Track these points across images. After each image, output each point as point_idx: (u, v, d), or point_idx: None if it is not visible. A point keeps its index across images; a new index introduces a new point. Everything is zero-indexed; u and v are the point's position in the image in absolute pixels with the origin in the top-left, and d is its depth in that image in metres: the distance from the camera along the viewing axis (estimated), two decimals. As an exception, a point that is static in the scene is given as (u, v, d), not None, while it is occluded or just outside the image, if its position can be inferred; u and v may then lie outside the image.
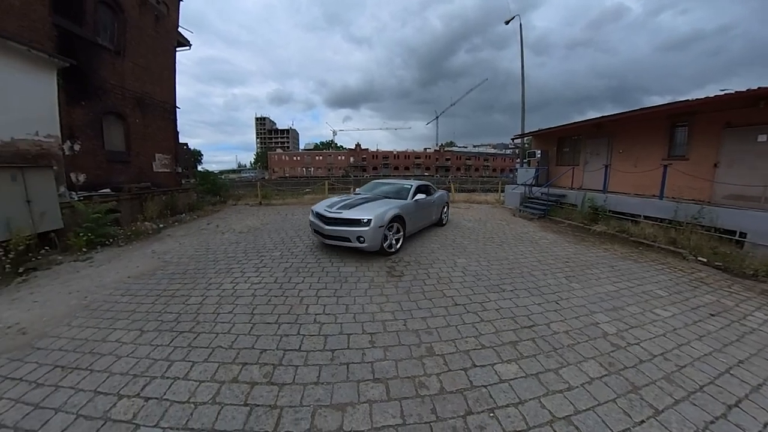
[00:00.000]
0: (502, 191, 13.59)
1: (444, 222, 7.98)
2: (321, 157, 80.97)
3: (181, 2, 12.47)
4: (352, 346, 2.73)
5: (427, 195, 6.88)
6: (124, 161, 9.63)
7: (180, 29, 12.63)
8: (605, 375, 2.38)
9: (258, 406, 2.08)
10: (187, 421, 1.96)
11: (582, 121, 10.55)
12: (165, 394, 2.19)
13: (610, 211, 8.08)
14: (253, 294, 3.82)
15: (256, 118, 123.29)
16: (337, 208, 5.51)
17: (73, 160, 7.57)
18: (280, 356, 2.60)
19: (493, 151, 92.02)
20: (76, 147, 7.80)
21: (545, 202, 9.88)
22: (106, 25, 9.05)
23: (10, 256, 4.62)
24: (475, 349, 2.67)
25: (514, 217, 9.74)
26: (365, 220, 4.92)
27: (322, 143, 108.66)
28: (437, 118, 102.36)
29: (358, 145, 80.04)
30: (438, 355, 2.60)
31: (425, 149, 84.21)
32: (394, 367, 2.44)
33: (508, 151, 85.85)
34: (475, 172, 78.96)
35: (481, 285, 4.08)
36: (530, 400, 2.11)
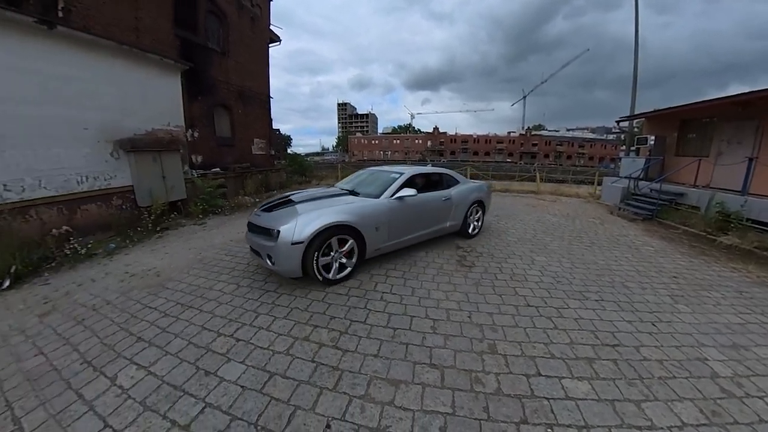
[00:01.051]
0: (599, 184, 11.71)
1: (473, 231, 5.53)
2: (398, 141, 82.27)
3: (271, 2, 13.83)
4: (413, 329, 2.79)
5: (433, 188, 4.85)
6: (229, 145, 11.51)
7: (271, 27, 14.11)
8: (703, 425, 1.89)
9: (323, 364, 2.33)
10: (266, 364, 2.34)
11: (719, 99, 8.10)
12: (251, 338, 2.64)
13: (748, 219, 6.23)
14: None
15: (338, 104, 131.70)
16: (263, 209, 3.99)
17: (192, 145, 9.32)
18: (346, 325, 2.84)
19: (591, 136, 79.13)
20: (195, 134, 9.59)
21: (655, 201, 8.11)
22: (214, 31, 10.79)
23: (151, 217, 6.07)
24: (542, 357, 2.44)
25: (611, 215, 8.34)
26: (275, 232, 3.28)
27: (399, 127, 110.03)
28: (524, 97, 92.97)
29: (435, 128, 78.54)
30: (500, 354, 2.47)
31: (509, 133, 77.43)
32: (452, 356, 2.42)
33: (611, 137, 72.78)
34: (567, 160, 69.23)
35: (560, 289, 3.67)
36: (598, 427, 1.84)
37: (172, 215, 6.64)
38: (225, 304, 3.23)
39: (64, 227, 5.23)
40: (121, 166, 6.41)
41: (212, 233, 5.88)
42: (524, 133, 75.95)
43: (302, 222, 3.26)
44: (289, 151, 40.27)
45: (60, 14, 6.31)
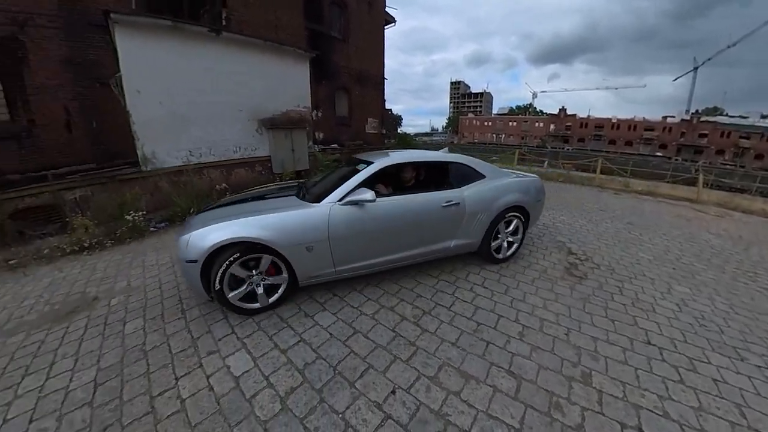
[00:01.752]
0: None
1: (504, 254, 3.84)
2: (515, 123, 73.50)
3: (387, -15, 14.07)
4: (498, 328, 2.72)
5: (430, 187, 3.35)
6: (346, 124, 12.86)
7: (387, 9, 14.43)
8: None
9: (401, 336, 2.56)
10: (352, 322, 2.74)
11: None
12: (345, 296, 3.10)
13: None
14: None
15: (451, 83, 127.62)
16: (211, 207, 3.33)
17: (316, 124, 10.77)
18: (431, 306, 3.00)
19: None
20: (319, 114, 11.06)
21: None
22: (336, 20, 11.90)
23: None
24: (651, 412, 1.99)
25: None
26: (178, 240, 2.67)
27: (517, 107, 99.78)
28: (696, 69, 69.40)
29: (562, 110, 67.51)
30: (594, 388, 2.15)
31: (664, 118, 59.80)
32: (535, 370, 2.26)
33: None
34: (756, 160, 48.22)
35: (702, 335, 2.82)
36: None
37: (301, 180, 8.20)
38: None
39: (224, 184, 7.07)
40: (263, 140, 8.10)
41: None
42: (688, 118, 57.05)
43: (197, 235, 2.51)
44: (399, 130, 42.47)
45: (223, 22, 8.35)
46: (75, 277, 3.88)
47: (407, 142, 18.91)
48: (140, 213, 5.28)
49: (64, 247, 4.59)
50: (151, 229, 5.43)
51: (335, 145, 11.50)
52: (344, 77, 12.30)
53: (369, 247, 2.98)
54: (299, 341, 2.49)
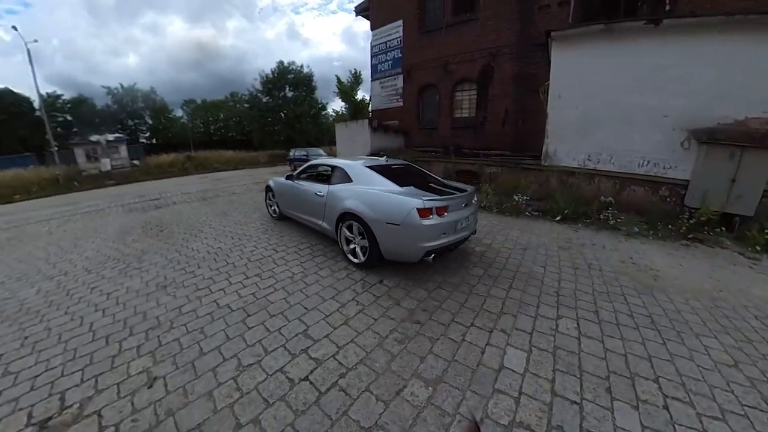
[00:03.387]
0: None
1: (360, 259, 3.77)
2: None
3: None
4: None
5: (322, 182, 4.72)
6: None
7: None
8: None
9: None
10: None
11: None
12: None
13: None
14: None
15: None
16: None
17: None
18: None
19: None
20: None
21: None
22: None
23: (690, 221, 5.31)
24: None
25: None
26: None
27: None
28: None
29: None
30: None
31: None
32: None
33: None
34: None
35: None
36: None
37: (718, 229, 5.38)
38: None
39: (609, 198, 6.21)
40: (687, 157, 5.95)
41: (757, 276, 4.10)
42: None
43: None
44: None
45: (666, 8, 6.48)
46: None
47: None
48: (524, 197, 6.40)
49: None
50: (528, 213, 6.38)
51: None
52: None
53: (294, 205, 5.21)
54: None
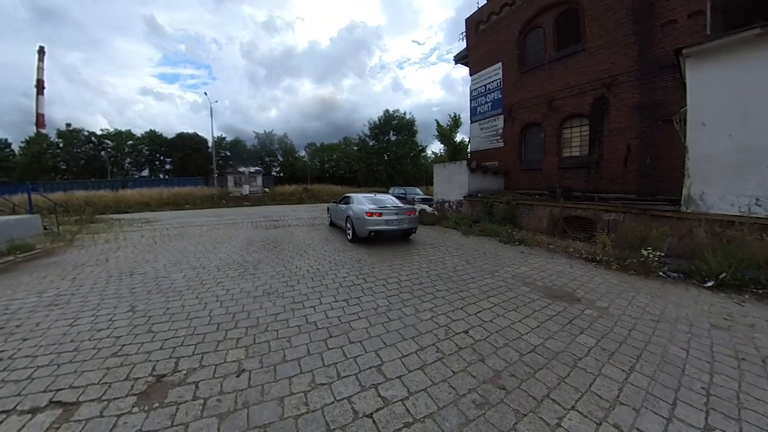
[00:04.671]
0: None
1: (351, 237, 7.93)
2: None
3: None
4: None
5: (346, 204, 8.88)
6: None
7: None
8: None
9: None
10: None
11: None
12: None
13: None
14: None
15: None
16: None
17: None
18: None
19: None
20: None
21: None
22: None
23: None
24: None
25: None
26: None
27: None
28: None
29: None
30: None
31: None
32: None
33: None
34: None
35: None
36: None
37: None
38: None
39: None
40: None
41: None
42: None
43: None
44: None
45: None
46: (575, 275, 4.60)
47: None
48: (657, 253, 4.97)
49: (582, 251, 5.60)
50: (661, 273, 4.88)
51: None
52: None
53: (334, 214, 9.76)
54: None
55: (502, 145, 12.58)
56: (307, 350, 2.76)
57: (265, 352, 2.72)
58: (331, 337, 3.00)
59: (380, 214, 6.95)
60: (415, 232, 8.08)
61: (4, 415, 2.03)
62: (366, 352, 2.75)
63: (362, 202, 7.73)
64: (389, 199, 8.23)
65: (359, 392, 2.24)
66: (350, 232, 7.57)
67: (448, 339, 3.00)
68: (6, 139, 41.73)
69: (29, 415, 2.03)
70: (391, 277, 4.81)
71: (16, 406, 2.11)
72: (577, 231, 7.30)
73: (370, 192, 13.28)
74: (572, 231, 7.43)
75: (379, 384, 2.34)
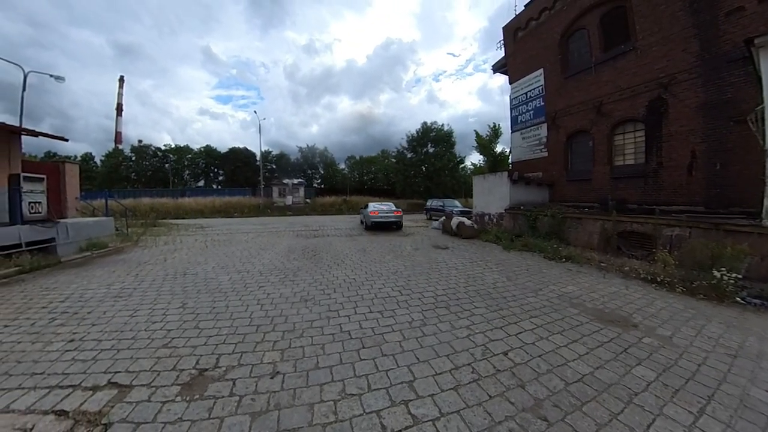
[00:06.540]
0: None
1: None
2: None
3: None
4: None
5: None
6: None
7: None
8: None
9: None
10: None
11: None
12: None
13: None
14: None
15: None
16: None
17: None
18: None
19: None
20: None
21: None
22: None
23: None
24: None
25: None
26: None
27: None
28: None
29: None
30: None
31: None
32: None
33: None
34: None
35: None
36: None
37: None
38: None
39: None
40: None
41: None
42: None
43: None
44: None
45: None
46: (631, 298, 4.15)
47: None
48: (733, 274, 4.28)
49: (639, 271, 5.02)
50: (739, 299, 4.19)
51: None
52: None
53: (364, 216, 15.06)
54: None
55: (545, 154, 11.94)
56: (340, 359, 2.78)
57: (300, 357, 2.79)
58: (363, 347, 3.00)
59: (377, 213, 12.81)
60: (401, 227, 13.46)
61: (71, 389, 2.32)
62: (398, 366, 2.69)
63: (370, 207, 13.60)
64: (386, 206, 13.88)
65: (389, 407, 2.19)
66: (365, 224, 13.78)
67: (485, 360, 2.84)
68: (91, 153, 49.31)
69: (90, 392, 2.30)
70: (428, 291, 4.71)
71: (81, 383, 2.41)
72: (633, 248, 6.59)
73: (406, 201, 16.40)
74: (627, 248, 6.72)
75: (410, 401, 2.27)
